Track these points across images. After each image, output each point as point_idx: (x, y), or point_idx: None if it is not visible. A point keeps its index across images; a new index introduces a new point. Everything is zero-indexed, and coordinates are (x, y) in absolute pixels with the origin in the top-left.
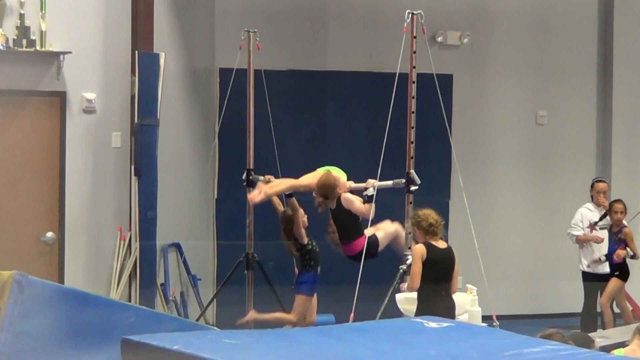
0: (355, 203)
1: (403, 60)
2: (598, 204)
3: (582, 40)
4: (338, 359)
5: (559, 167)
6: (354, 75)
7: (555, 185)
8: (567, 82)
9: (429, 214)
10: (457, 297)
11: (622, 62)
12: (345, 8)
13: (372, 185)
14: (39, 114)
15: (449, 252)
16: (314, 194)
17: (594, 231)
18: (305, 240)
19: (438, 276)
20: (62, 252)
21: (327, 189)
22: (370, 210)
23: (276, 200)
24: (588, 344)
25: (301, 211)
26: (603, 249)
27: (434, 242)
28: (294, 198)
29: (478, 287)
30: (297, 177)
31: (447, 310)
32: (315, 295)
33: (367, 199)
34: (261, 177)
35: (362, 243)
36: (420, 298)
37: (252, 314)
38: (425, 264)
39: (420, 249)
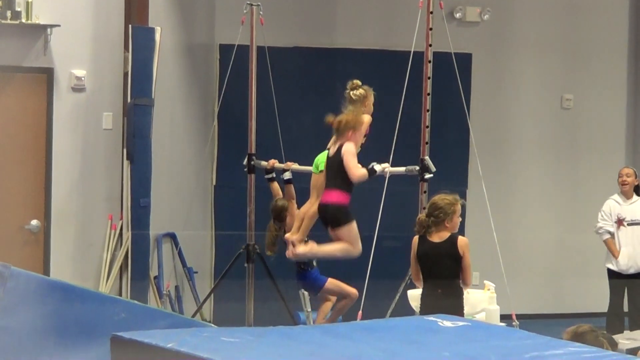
0: (349, 157)
1: (418, 37)
2: (622, 191)
3: (612, 18)
4: None
5: (585, 154)
6: (364, 54)
7: (582, 175)
8: (596, 64)
9: (434, 201)
10: (473, 294)
11: None
12: None
13: (384, 168)
14: (23, 92)
15: (443, 245)
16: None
17: (621, 227)
18: None
19: (430, 273)
20: (48, 242)
21: (342, 126)
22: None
23: (276, 186)
24: (612, 346)
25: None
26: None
27: (429, 235)
28: (292, 185)
29: (496, 284)
30: (302, 161)
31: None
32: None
33: (370, 169)
34: (264, 163)
35: (341, 198)
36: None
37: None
38: (417, 259)
39: (413, 242)
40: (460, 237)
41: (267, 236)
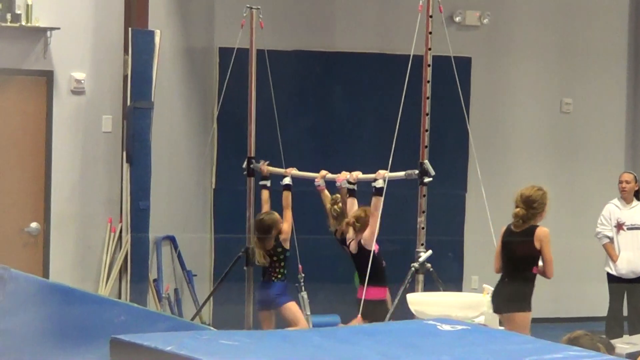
0: (371, 232)
1: (418, 41)
2: (621, 196)
3: (612, 22)
4: None
5: (585, 159)
6: (364, 57)
7: (581, 179)
8: (595, 68)
9: (528, 194)
10: (472, 298)
11: None
12: None
13: (383, 177)
14: (23, 95)
15: (522, 234)
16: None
17: (621, 232)
18: (289, 244)
19: (506, 261)
20: (48, 245)
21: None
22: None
23: (265, 195)
24: (609, 350)
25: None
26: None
27: (515, 226)
28: (290, 192)
29: None
30: (301, 165)
31: (497, 297)
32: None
33: (376, 191)
34: (256, 165)
35: (380, 293)
36: None
37: None
38: (501, 248)
39: (501, 231)
40: (539, 228)
41: (256, 250)
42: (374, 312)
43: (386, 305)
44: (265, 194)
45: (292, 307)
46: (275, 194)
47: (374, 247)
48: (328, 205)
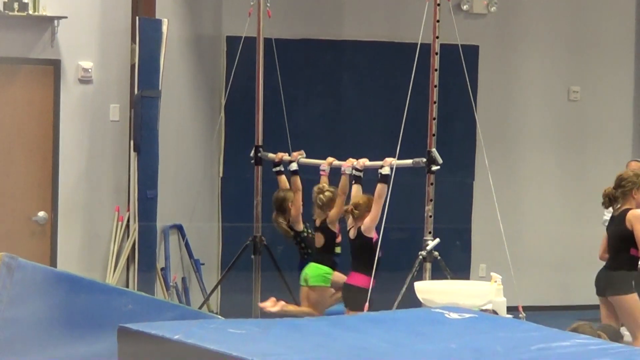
0: (371, 219)
1: (425, 29)
2: None
3: (619, 9)
4: (351, 351)
5: (593, 147)
6: (372, 45)
7: (589, 167)
8: (603, 56)
9: (620, 174)
10: (480, 286)
11: None
12: None
13: (390, 164)
14: (31, 84)
15: (617, 218)
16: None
17: None
18: (301, 226)
19: (607, 245)
20: (55, 233)
21: (362, 205)
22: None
23: (283, 179)
24: (617, 338)
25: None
26: None
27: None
28: (298, 177)
29: (503, 276)
30: (309, 153)
31: (598, 281)
32: None
33: (381, 178)
34: (271, 155)
35: (363, 282)
36: None
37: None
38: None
39: None
40: (631, 211)
41: (278, 227)
42: (355, 299)
43: (366, 295)
44: (282, 179)
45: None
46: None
47: (374, 235)
48: (314, 195)
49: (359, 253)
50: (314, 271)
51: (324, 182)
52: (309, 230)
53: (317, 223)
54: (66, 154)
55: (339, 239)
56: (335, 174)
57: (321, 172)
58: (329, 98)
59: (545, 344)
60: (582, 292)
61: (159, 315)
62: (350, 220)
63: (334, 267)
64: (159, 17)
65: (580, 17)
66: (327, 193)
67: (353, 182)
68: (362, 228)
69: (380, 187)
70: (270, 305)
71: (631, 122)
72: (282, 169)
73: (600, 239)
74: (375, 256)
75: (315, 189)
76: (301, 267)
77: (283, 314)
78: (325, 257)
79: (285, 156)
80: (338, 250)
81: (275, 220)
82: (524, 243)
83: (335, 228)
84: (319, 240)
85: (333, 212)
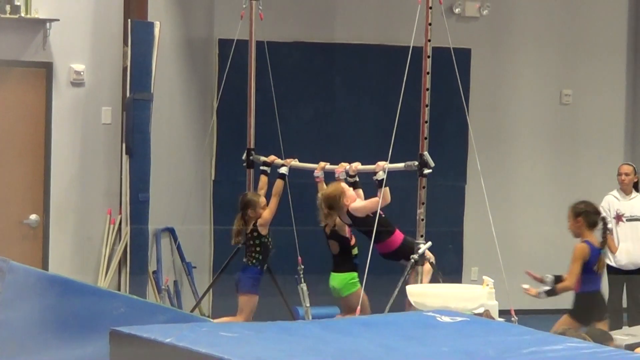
0: (361, 205)
1: (417, 32)
2: (621, 188)
3: (611, 13)
4: (343, 355)
5: (585, 150)
6: (364, 48)
7: (581, 170)
8: (595, 59)
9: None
10: (472, 289)
11: None
12: None
13: (382, 168)
14: (22, 87)
15: None
16: (319, 204)
17: (620, 223)
18: (267, 230)
19: None
20: (47, 236)
21: (332, 199)
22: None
23: (264, 180)
24: (606, 340)
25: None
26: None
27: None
28: (284, 182)
29: (495, 279)
30: (300, 156)
31: None
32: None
33: (377, 184)
34: (263, 158)
35: (398, 239)
36: None
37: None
38: None
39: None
40: None
41: (235, 226)
42: None
43: None
44: (263, 179)
45: (243, 299)
46: (271, 182)
47: (348, 234)
48: (319, 201)
49: (338, 247)
50: (339, 282)
51: (323, 189)
52: (269, 238)
53: (327, 231)
54: (58, 157)
55: (353, 241)
56: (330, 178)
57: (316, 179)
58: (321, 101)
59: (537, 348)
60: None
61: (151, 319)
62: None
63: (355, 269)
64: (151, 20)
65: (573, 21)
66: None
67: (353, 188)
68: (351, 209)
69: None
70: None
71: (623, 125)
72: (268, 171)
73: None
74: (351, 255)
75: (320, 196)
76: (243, 270)
77: None
78: (346, 261)
79: (278, 160)
80: (355, 251)
81: (239, 220)
82: (516, 246)
83: (346, 232)
84: (334, 247)
85: (358, 205)
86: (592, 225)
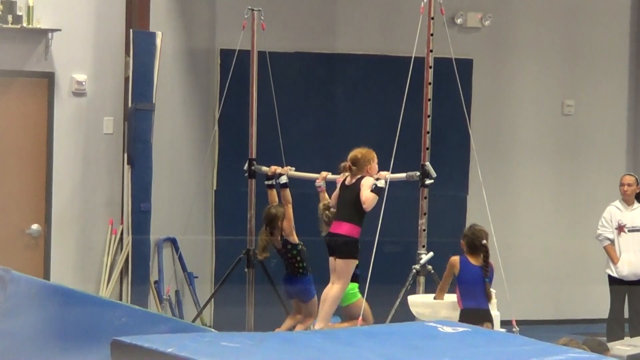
0: (367, 190)
1: (419, 43)
2: (623, 199)
3: (613, 23)
4: None
5: (586, 161)
6: (365, 59)
7: (583, 181)
8: (597, 70)
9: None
10: None
11: None
12: None
13: (384, 178)
14: (24, 97)
15: None
16: (320, 214)
17: (622, 234)
18: (297, 238)
19: None
20: (49, 246)
21: (361, 160)
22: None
23: (273, 194)
24: (603, 350)
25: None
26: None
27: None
28: (287, 189)
29: (497, 290)
30: (302, 166)
31: None
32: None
33: (375, 189)
34: (265, 168)
35: (353, 231)
36: None
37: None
38: None
39: None
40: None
41: (259, 241)
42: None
43: (355, 245)
44: (272, 193)
45: (313, 303)
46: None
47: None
48: (320, 211)
49: (350, 203)
50: None
51: (325, 199)
52: (302, 243)
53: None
54: (60, 167)
55: None
56: (332, 188)
57: (318, 189)
58: (323, 111)
59: (538, 358)
60: (575, 306)
61: (152, 328)
62: (345, 175)
63: (356, 279)
64: (153, 30)
65: (574, 31)
66: (333, 209)
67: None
68: (363, 181)
69: (372, 196)
70: None
71: (625, 136)
72: (274, 183)
73: (594, 253)
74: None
75: (321, 206)
76: (289, 281)
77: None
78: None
79: (278, 169)
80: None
81: (261, 234)
82: (518, 257)
83: None
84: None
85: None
86: (472, 250)
